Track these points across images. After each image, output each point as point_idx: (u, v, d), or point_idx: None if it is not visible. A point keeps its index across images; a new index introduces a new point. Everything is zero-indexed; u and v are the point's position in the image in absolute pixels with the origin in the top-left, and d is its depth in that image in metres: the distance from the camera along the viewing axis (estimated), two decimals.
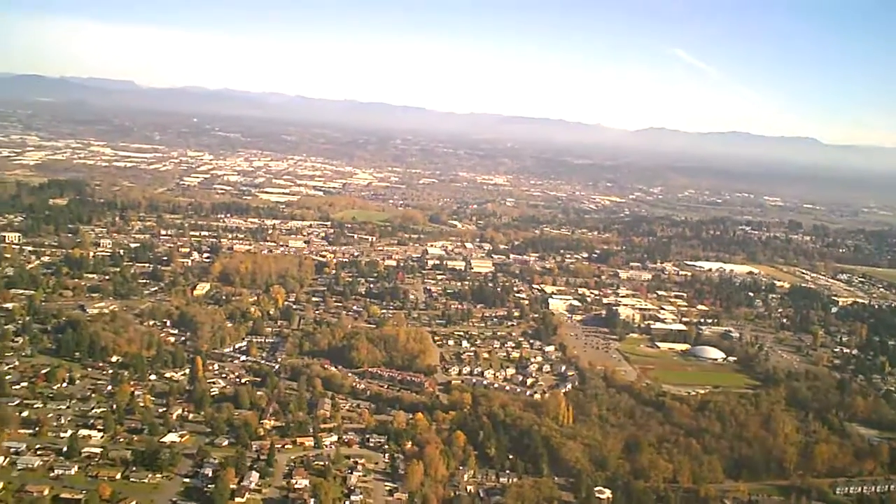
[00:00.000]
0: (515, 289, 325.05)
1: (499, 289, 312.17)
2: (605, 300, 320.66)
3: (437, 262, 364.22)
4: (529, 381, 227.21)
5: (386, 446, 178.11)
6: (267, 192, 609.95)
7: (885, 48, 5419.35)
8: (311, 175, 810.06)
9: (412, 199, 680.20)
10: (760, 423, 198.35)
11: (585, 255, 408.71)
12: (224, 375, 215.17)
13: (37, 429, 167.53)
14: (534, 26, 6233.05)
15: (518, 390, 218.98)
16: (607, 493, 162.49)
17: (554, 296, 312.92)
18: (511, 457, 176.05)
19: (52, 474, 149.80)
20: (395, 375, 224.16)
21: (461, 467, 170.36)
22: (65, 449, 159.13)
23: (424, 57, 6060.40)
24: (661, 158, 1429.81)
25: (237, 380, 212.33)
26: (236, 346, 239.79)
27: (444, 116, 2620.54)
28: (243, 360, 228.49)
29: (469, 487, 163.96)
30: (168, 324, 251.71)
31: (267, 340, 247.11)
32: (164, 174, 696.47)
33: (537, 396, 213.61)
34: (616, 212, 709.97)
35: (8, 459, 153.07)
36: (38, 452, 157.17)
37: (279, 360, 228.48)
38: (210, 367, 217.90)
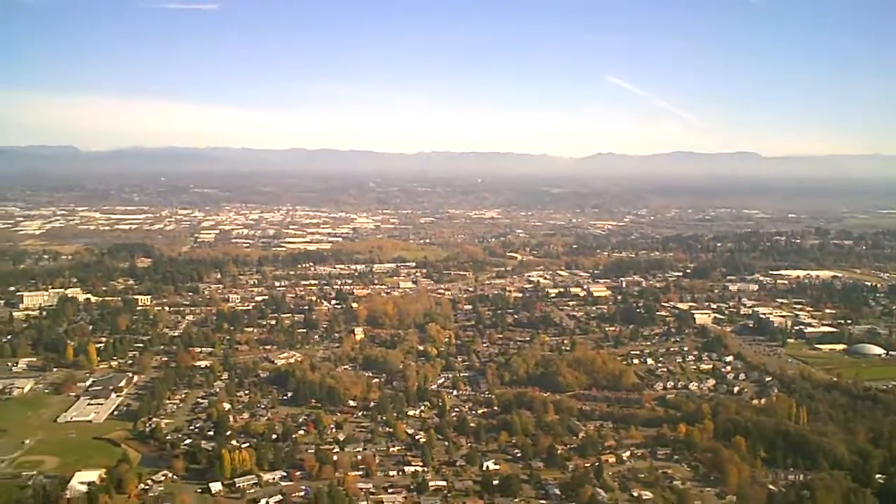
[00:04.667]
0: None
1: (641, 309, 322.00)
2: (742, 311, 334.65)
3: (560, 289, 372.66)
4: (735, 388, 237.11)
5: (676, 456, 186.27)
6: (292, 242, 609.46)
7: (812, 65, 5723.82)
8: (316, 223, 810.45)
9: (430, 237, 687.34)
10: None
11: (679, 273, 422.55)
12: (458, 409, 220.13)
13: (363, 468, 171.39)
14: (472, 65, 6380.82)
15: (733, 398, 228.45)
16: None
17: (693, 311, 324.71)
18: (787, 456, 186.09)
19: None
20: (609, 395, 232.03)
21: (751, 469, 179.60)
22: (412, 485, 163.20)
23: (367, 101, 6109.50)
24: (623, 182, 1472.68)
25: (472, 411, 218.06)
26: (439, 383, 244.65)
27: (395, 158, 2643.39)
28: (457, 395, 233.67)
29: (770, 486, 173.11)
30: (357, 367, 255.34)
31: (462, 374, 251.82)
32: (173, 233, 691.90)
33: (755, 402, 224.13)
34: (627, 234, 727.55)
35: (371, 499, 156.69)
36: (390, 491, 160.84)
37: (488, 390, 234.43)
38: (436, 403, 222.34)
